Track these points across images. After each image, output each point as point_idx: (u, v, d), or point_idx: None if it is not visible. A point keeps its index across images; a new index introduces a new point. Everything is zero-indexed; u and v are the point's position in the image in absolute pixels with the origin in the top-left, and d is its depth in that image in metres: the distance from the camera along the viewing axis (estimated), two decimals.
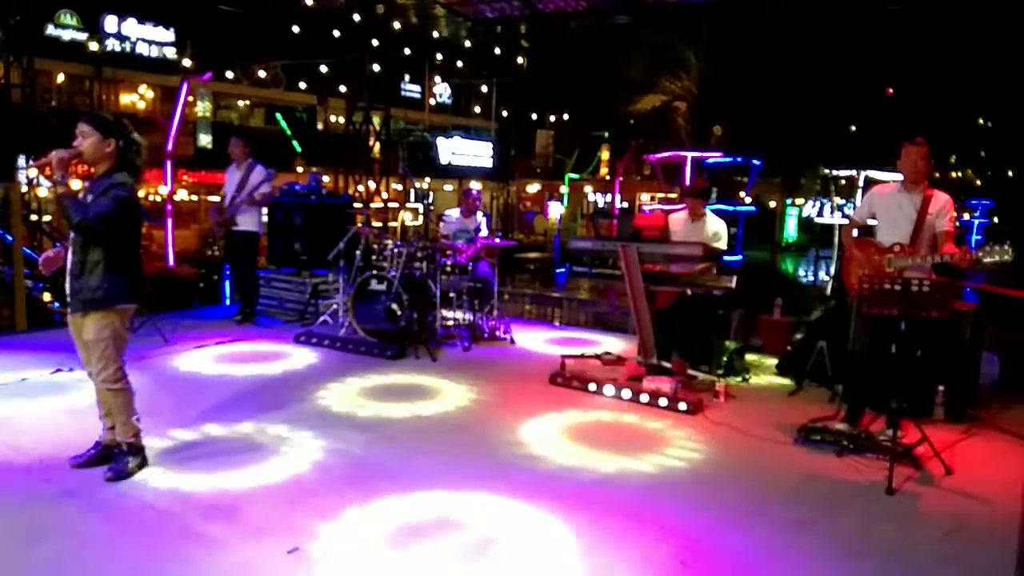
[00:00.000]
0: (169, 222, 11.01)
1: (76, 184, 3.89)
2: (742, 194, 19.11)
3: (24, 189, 10.52)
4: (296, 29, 21.22)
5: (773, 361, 6.64)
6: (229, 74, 21.88)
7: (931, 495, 4.02)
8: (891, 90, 23.06)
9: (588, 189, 31.01)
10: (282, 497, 3.71)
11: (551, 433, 4.78)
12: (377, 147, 18.28)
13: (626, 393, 5.53)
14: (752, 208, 17.78)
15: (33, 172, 12.17)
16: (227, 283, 8.87)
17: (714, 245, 5.97)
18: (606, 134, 30.15)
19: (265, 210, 8.11)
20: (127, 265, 3.77)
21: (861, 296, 4.39)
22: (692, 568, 3.19)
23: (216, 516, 3.47)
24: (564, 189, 28.01)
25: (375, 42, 17.41)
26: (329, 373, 6.04)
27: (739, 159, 17.29)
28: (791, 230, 27.43)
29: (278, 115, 22.44)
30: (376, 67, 17.16)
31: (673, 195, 18.07)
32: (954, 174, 32.25)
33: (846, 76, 20.26)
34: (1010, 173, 29.86)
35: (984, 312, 5.71)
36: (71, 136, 3.71)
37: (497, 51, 24.81)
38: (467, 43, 25.89)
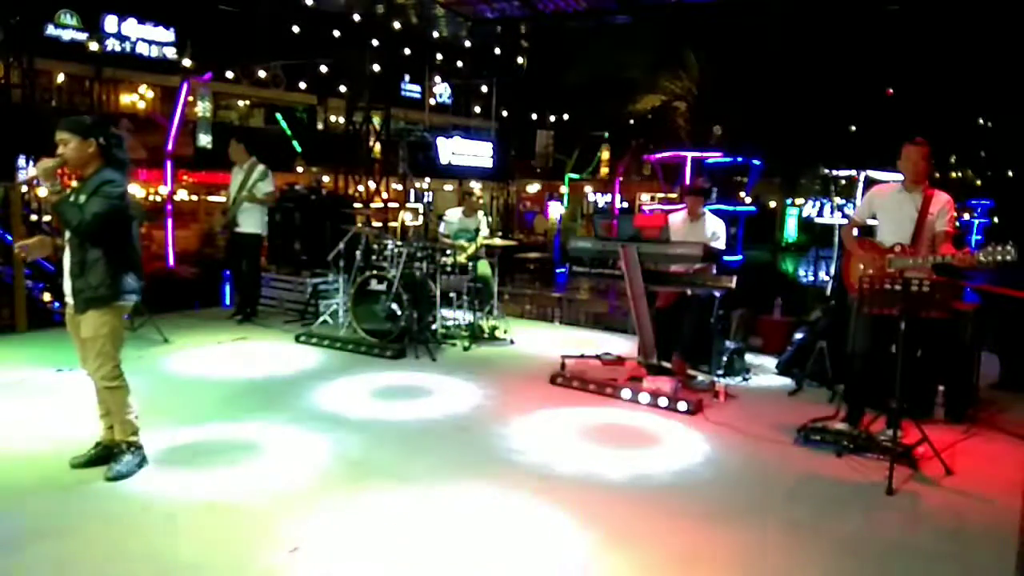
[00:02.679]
0: (169, 222, 10.99)
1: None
2: (742, 194, 19.10)
3: (24, 189, 10.51)
4: (296, 29, 21.22)
5: (773, 361, 6.64)
6: (229, 74, 21.85)
7: (931, 495, 4.02)
8: (891, 90, 23.07)
9: (588, 189, 31.00)
10: (282, 497, 3.71)
11: (551, 433, 4.78)
12: (377, 147, 18.28)
13: (626, 393, 5.53)
14: (752, 208, 17.78)
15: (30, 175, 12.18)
16: (228, 283, 8.87)
17: (713, 245, 5.97)
18: (606, 134, 30.15)
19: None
20: (126, 260, 3.77)
21: (861, 296, 4.39)
22: (691, 568, 3.19)
23: (216, 516, 3.47)
24: (564, 189, 28.02)
25: (375, 42, 17.41)
26: (329, 373, 6.04)
27: (739, 159, 17.29)
28: (791, 230, 27.41)
29: (278, 115, 22.46)
30: (376, 67, 17.16)
31: (673, 195, 18.09)
32: (954, 174, 32.22)
33: (846, 76, 20.27)
34: (1010, 173, 29.85)
35: (984, 312, 5.71)
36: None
37: (497, 51, 24.83)
38: (467, 43, 25.89)
